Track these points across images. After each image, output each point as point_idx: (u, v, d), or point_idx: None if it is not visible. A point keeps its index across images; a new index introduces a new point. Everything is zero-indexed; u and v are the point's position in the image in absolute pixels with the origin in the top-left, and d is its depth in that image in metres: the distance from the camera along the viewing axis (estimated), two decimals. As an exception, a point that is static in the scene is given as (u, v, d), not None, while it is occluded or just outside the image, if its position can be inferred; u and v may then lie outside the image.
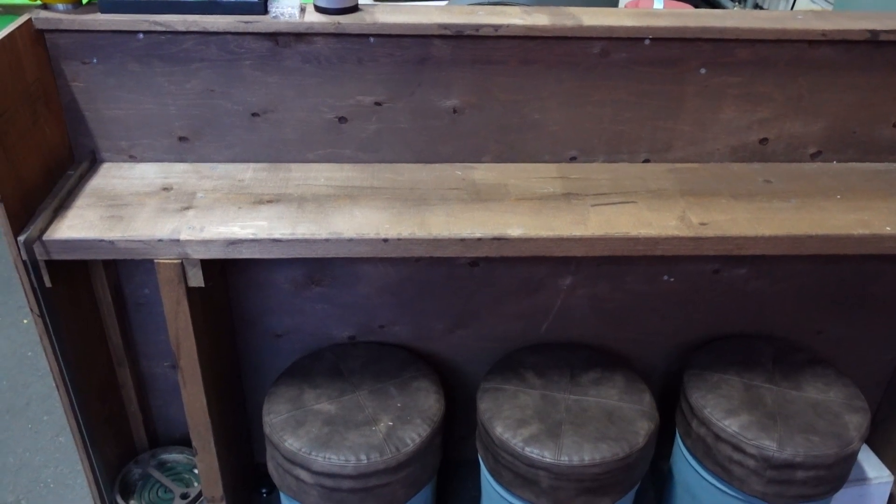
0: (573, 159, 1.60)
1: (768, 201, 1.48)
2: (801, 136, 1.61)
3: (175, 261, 1.32)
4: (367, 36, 1.44)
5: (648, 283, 1.77)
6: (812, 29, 1.47)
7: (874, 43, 1.49)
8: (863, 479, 1.90)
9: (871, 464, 1.94)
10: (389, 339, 1.82)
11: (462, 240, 1.34)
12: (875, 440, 2.03)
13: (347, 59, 1.46)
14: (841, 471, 1.59)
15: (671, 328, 1.84)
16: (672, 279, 1.77)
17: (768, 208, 1.46)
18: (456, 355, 1.85)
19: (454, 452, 1.93)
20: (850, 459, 1.58)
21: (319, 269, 1.71)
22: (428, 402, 1.61)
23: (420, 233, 1.33)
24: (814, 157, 1.63)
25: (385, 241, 1.33)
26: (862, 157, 1.63)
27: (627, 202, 1.46)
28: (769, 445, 1.53)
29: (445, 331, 1.81)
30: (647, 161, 1.61)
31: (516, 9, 1.51)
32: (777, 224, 1.41)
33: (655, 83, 1.53)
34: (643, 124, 1.57)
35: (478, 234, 1.34)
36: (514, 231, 1.35)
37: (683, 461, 1.73)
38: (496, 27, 1.43)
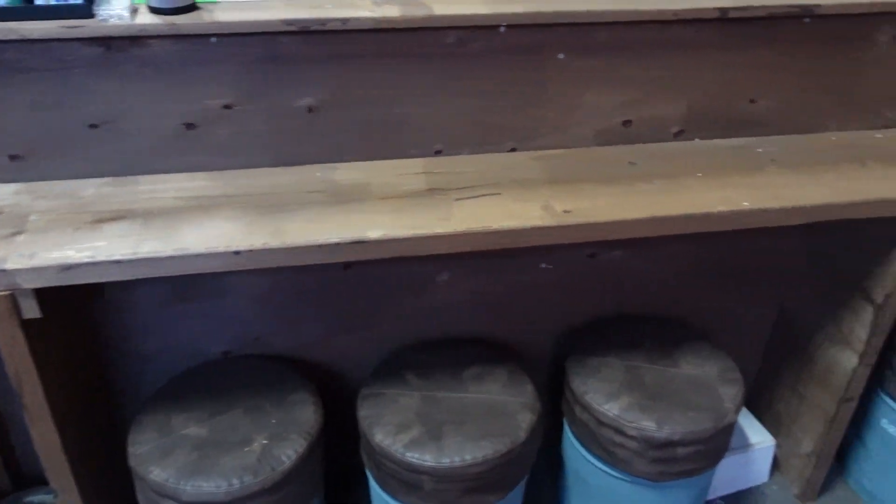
0: (438, 153, 1.55)
1: (633, 184, 1.48)
2: (663, 116, 1.61)
3: (4, 293, 1.21)
4: (207, 36, 1.35)
5: (526, 273, 1.75)
6: (664, 9, 1.46)
7: (725, 20, 1.50)
8: (746, 445, 1.96)
9: (753, 430, 2.00)
10: (266, 351, 1.74)
11: (319, 246, 1.28)
12: (757, 406, 2.10)
13: (189, 61, 1.37)
14: (720, 443, 1.62)
15: (553, 315, 1.84)
16: (549, 266, 1.76)
17: (632, 191, 1.46)
18: (338, 362, 1.79)
19: (347, 463, 1.88)
20: (727, 431, 1.61)
21: (186, 284, 1.62)
22: (305, 416, 1.54)
23: (274, 242, 1.26)
24: (677, 135, 1.64)
25: (237, 253, 1.25)
26: (723, 133, 1.66)
27: (492, 194, 1.43)
28: (649, 426, 1.54)
29: (324, 337, 1.75)
30: (513, 150, 1.58)
31: (366, 0, 1.45)
32: (641, 206, 1.40)
33: (516, 71, 1.50)
34: (507, 113, 1.54)
35: (335, 239, 1.28)
36: (375, 233, 1.30)
37: (572, 447, 1.74)
38: (344, 21, 1.36)
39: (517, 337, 1.85)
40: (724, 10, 1.48)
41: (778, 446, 2.02)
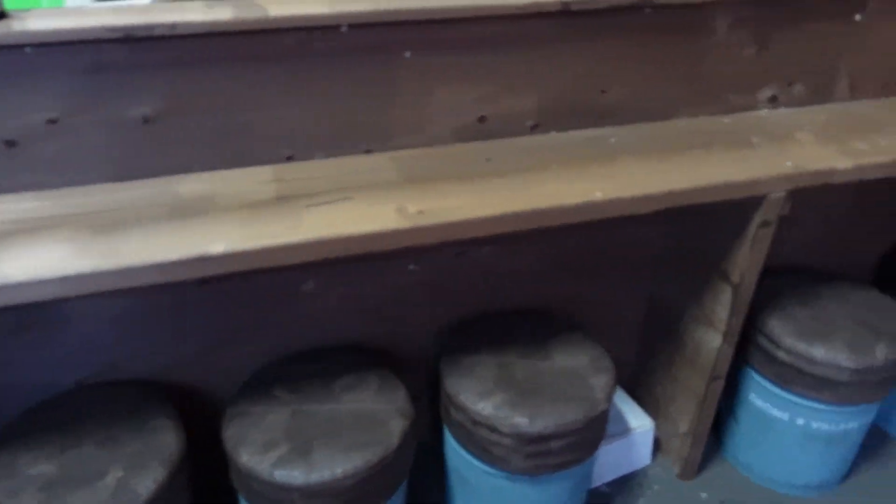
0: (290, 159, 1.50)
1: (488, 180, 1.47)
2: (517, 111, 1.61)
3: None
4: (21, 46, 1.26)
5: (395, 275, 1.72)
6: (507, 4, 1.46)
7: (568, 13, 1.51)
8: (627, 430, 1.99)
9: (634, 414, 2.04)
10: (125, 377, 1.64)
11: (157, 265, 1.21)
12: (637, 390, 2.14)
13: (2, 73, 1.27)
14: (594, 432, 1.63)
15: (425, 317, 1.81)
16: (418, 267, 1.74)
17: (487, 188, 1.44)
18: (203, 382, 1.71)
19: (219, 488, 1.80)
20: (600, 420, 1.63)
21: (29, 312, 1.51)
22: (165, 442, 1.46)
23: (106, 264, 1.18)
24: (533, 129, 1.65)
25: (64, 279, 1.17)
26: (578, 124, 1.67)
27: (345, 199, 1.39)
28: (521, 422, 1.54)
29: (187, 358, 1.66)
30: (369, 151, 1.55)
31: (199, 3, 1.38)
32: (496, 203, 1.39)
33: (363, 70, 1.46)
34: (359, 114, 1.50)
35: (175, 257, 1.21)
36: (218, 247, 1.23)
37: (451, 447, 1.72)
38: (172, 26, 1.29)
39: (391, 341, 1.82)
40: (566, 3, 1.49)
41: (658, 428, 2.07)
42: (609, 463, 1.99)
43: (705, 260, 1.77)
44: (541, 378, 1.66)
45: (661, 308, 1.99)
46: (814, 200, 1.99)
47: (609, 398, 1.64)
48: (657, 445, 2.09)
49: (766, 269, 2.05)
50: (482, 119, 1.59)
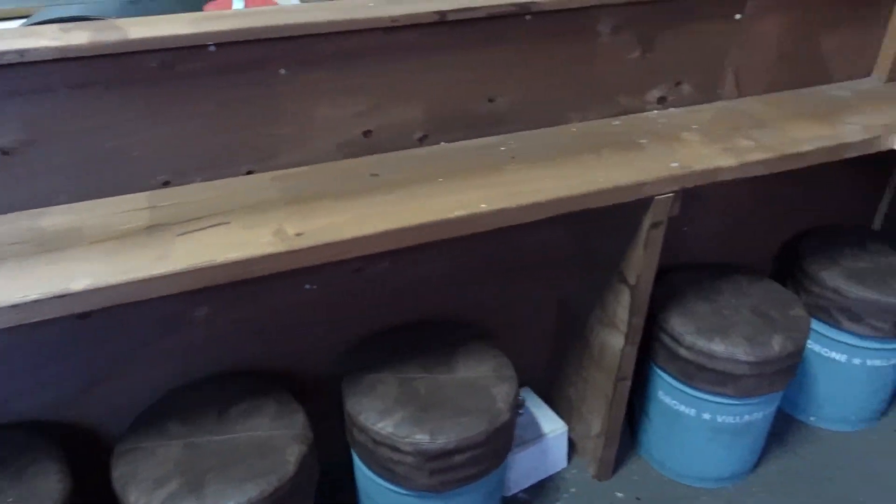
0: (166, 184, 1.45)
1: (373, 196, 1.44)
2: (404, 123, 1.59)
3: None
4: None
5: (291, 295, 1.68)
6: (381, 16, 1.43)
7: (446, 23, 1.49)
8: (540, 435, 1.99)
9: (546, 419, 2.04)
10: (9, 419, 1.56)
11: (14, 306, 1.14)
12: (551, 393, 2.14)
13: None
14: (499, 443, 1.62)
15: (326, 336, 1.77)
16: (314, 286, 1.70)
17: (371, 204, 1.41)
18: (93, 420, 1.63)
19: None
20: (504, 430, 1.62)
21: None
22: (48, 487, 1.39)
23: (-44, 309, 1.12)
24: (421, 141, 1.62)
25: None
26: (467, 134, 1.66)
27: (221, 223, 1.34)
28: (422, 439, 1.52)
29: (74, 394, 1.59)
30: (251, 172, 1.50)
31: (53, 28, 1.32)
32: (378, 220, 1.36)
33: (237, 89, 1.42)
34: (237, 134, 1.46)
35: (34, 296, 1.15)
36: (80, 283, 1.17)
37: (359, 469, 1.69)
38: (21, 52, 1.23)
39: (292, 363, 1.77)
40: (442, 14, 1.47)
41: (573, 430, 2.07)
42: (524, 469, 1.98)
43: (605, 262, 1.78)
44: (443, 391, 1.63)
45: (569, 311, 1.99)
46: (713, 196, 2.03)
47: (512, 408, 1.63)
48: (573, 447, 2.10)
49: (670, 266, 2.09)
50: (367, 133, 1.56)
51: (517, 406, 2.04)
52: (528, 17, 1.55)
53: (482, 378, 1.68)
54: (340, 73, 1.47)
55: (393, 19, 1.43)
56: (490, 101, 1.63)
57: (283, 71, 1.42)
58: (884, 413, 2.23)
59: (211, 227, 1.33)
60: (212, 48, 1.35)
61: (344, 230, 1.33)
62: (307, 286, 1.69)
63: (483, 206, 1.41)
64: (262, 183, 1.48)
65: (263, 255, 1.27)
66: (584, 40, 1.64)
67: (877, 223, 2.33)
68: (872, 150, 1.72)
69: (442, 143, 1.64)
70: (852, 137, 1.69)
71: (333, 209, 1.39)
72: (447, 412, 1.57)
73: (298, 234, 1.31)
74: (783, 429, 2.20)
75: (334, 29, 1.40)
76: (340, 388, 1.68)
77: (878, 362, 2.03)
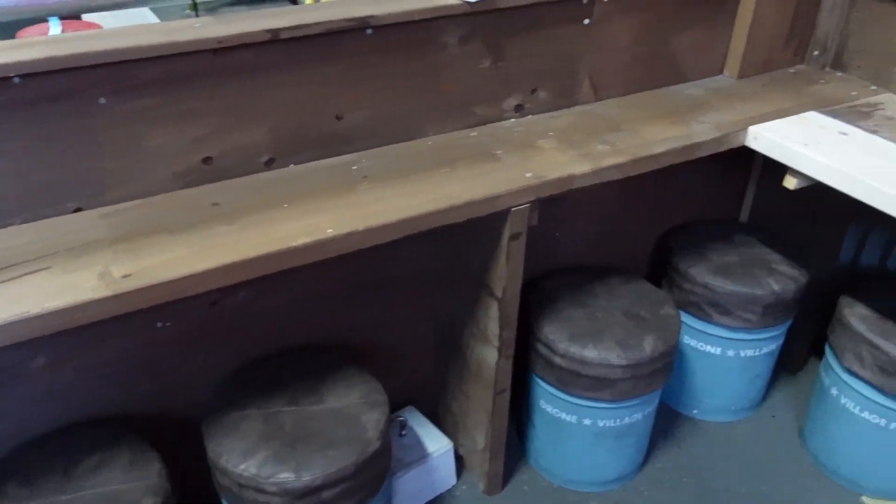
0: (-20, 228, 1.33)
1: (212, 227, 1.36)
2: (247, 147, 1.51)
3: None
4: None
5: (141, 335, 1.57)
6: (207, 38, 1.35)
7: (280, 42, 1.43)
8: (425, 455, 1.94)
9: (431, 437, 1.99)
10: None
11: None
12: (437, 410, 2.10)
13: None
14: (371, 472, 1.55)
15: (183, 377, 1.67)
16: (168, 324, 1.59)
17: (211, 236, 1.33)
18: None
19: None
20: (376, 459, 1.55)
21: None
22: None
23: None
24: (269, 164, 1.55)
25: None
26: (318, 154, 1.59)
27: (40, 269, 1.23)
28: (287, 477, 1.44)
29: None
30: (78, 210, 1.39)
31: None
32: (217, 253, 1.28)
33: (53, 123, 1.31)
34: (58, 171, 1.35)
35: None
36: None
37: (228, 513, 1.60)
38: None
39: (146, 408, 1.66)
40: (274, 32, 1.40)
41: (460, 446, 2.03)
42: (411, 492, 1.92)
43: (473, 276, 1.74)
44: (311, 424, 1.56)
45: (444, 326, 1.95)
46: (584, 200, 2.02)
47: (383, 435, 1.57)
48: (462, 463, 2.06)
49: (546, 272, 2.09)
50: (207, 160, 1.47)
51: (400, 427, 2.00)
52: (368, 31, 1.50)
53: (352, 406, 1.61)
54: (170, 98, 1.38)
55: (220, 41, 1.35)
56: (338, 118, 1.57)
57: (102, 100, 1.32)
58: (762, 400, 2.29)
59: (27, 274, 1.22)
60: (16, 80, 1.24)
61: (177, 267, 1.24)
62: (159, 324, 1.59)
63: (330, 230, 1.35)
64: (89, 221, 1.37)
65: (86, 302, 1.17)
66: (432, 52, 1.61)
67: (744, 216, 2.39)
68: (723, 149, 1.75)
69: (291, 166, 1.57)
70: (703, 136, 1.71)
71: (168, 245, 1.30)
72: (314, 446, 1.50)
73: (126, 276, 1.22)
74: (668, 424, 2.22)
75: (156, 53, 1.31)
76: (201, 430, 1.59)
77: (750, 352, 2.08)
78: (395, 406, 2.08)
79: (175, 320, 1.60)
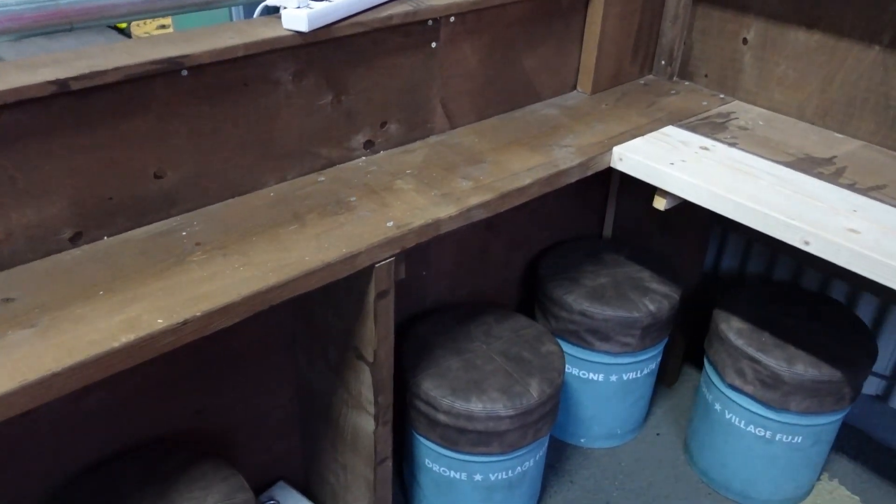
0: None
1: (2, 335, 1.07)
2: (43, 223, 1.22)
3: None
4: None
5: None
6: (-29, 99, 1.07)
7: (70, 94, 1.16)
8: (302, 540, 1.72)
9: (307, 516, 1.77)
10: None
11: None
12: (311, 480, 1.88)
13: None
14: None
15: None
16: (-37, 448, 1.28)
17: (4, 346, 1.05)
18: None
19: None
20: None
21: None
22: None
23: None
24: (75, 240, 1.27)
25: None
26: (137, 221, 1.32)
27: None
28: None
29: None
30: None
31: None
32: (7, 373, 1.00)
33: None
34: None
35: None
36: None
37: None
38: None
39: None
40: (62, 83, 1.13)
41: (341, 520, 1.83)
42: (291, 586, 1.70)
43: (338, 338, 1.54)
44: (161, 546, 1.31)
45: (311, 395, 1.73)
46: (445, 236, 1.87)
47: (251, 543, 1.34)
48: (343, 535, 1.85)
49: (416, 312, 1.92)
50: (-8, 245, 1.18)
51: (269, 515, 1.76)
52: (184, 72, 1.26)
53: (210, 511, 1.37)
54: (-71, 175, 1.09)
55: (-7, 98, 1.08)
56: (158, 177, 1.32)
57: None
58: (645, 419, 2.24)
59: None
60: None
61: (-46, 397, 0.96)
62: (-49, 451, 1.27)
63: (160, 321, 1.11)
64: None
65: None
66: (263, 92, 1.39)
67: (607, 231, 2.34)
68: (589, 173, 1.65)
69: (105, 238, 1.30)
70: (568, 163, 1.60)
71: (-57, 365, 1.01)
72: (167, 575, 1.25)
73: None
74: (557, 457, 2.12)
75: None
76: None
77: (632, 374, 2.01)
78: (263, 485, 1.84)
79: (-29, 442, 1.29)
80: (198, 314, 1.13)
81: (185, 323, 1.12)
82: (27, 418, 1.34)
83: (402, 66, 1.58)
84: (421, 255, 1.88)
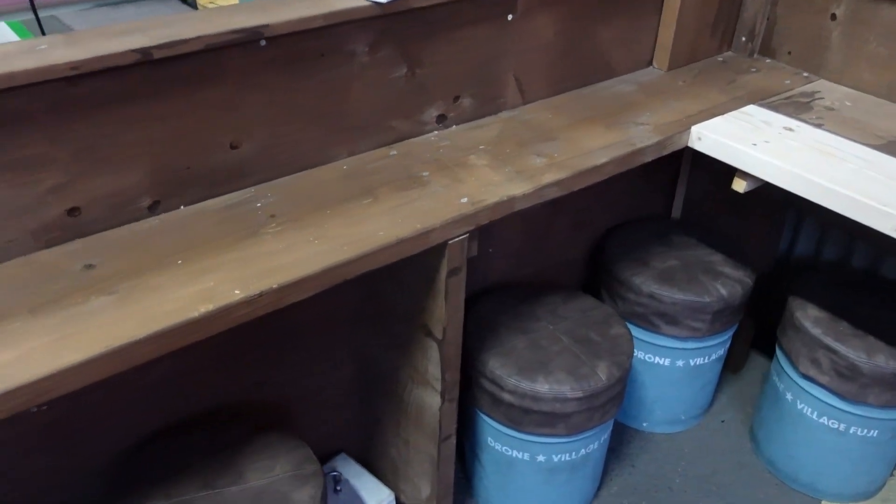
0: None
1: (85, 301, 1.08)
2: (122, 191, 1.23)
3: None
4: None
5: (13, 424, 1.28)
6: (57, 64, 1.07)
7: (153, 63, 1.16)
8: (365, 513, 1.73)
9: (369, 489, 1.77)
10: None
11: None
12: (370, 455, 1.88)
13: None
14: (308, 562, 1.34)
15: (70, 465, 1.39)
16: (44, 407, 1.31)
17: (82, 314, 1.06)
18: None
19: None
20: (312, 545, 1.34)
21: None
22: None
23: None
24: (153, 209, 1.28)
25: None
26: (212, 191, 1.33)
27: None
28: (206, 589, 1.20)
29: None
30: None
31: None
32: (91, 339, 1.01)
33: None
34: None
35: None
36: None
37: None
38: None
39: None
40: (145, 52, 1.13)
41: (402, 493, 1.83)
42: (351, 557, 1.71)
43: (405, 316, 1.53)
44: (230, 512, 1.32)
45: (373, 369, 1.73)
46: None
47: (318, 514, 1.35)
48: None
49: (478, 290, 1.90)
50: (74, 211, 1.19)
51: (335, 482, 1.77)
52: (262, 42, 1.25)
53: (279, 482, 1.37)
54: (13, 140, 1.09)
55: (73, 66, 1.08)
56: (234, 147, 1.32)
57: (-81, 151, 1.03)
58: (709, 406, 2.19)
59: None
60: None
61: (43, 362, 0.97)
62: (34, 408, 1.30)
63: (237, 292, 1.11)
64: (-78, 304, 1.08)
65: (-85, 425, 0.89)
66: (338, 63, 1.37)
67: (676, 212, 2.27)
68: (666, 152, 1.60)
69: (181, 208, 1.30)
70: (645, 141, 1.55)
71: (25, 331, 1.03)
72: (236, 542, 1.27)
73: (-28, 381, 0.94)
74: (618, 441, 2.08)
75: (-11, 88, 1.03)
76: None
77: (700, 360, 1.96)
78: (324, 457, 1.85)
79: (52, 402, 1.31)
80: (274, 286, 1.13)
81: (260, 295, 1.11)
82: (103, 384, 1.36)
83: (477, 39, 1.54)
84: (485, 232, 1.85)
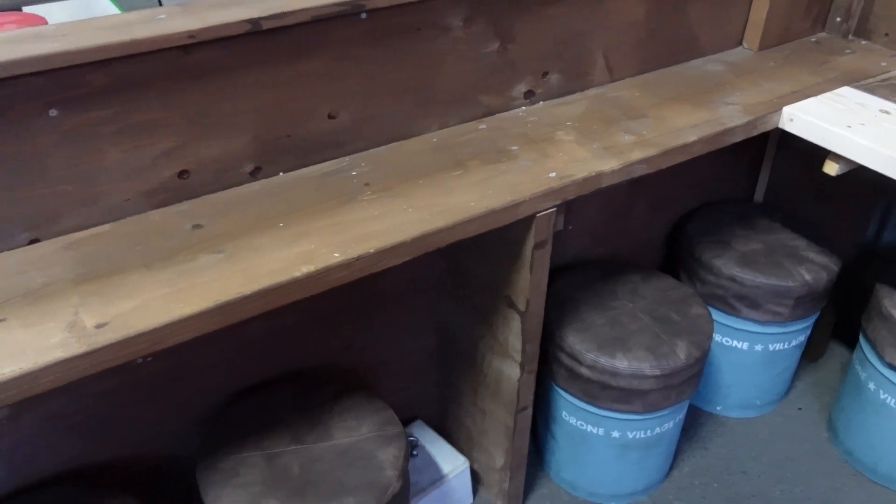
0: (-86, 274, 1.11)
1: (194, 258, 1.15)
2: (228, 156, 1.30)
3: None
4: None
5: (119, 374, 1.37)
6: (175, 32, 1.14)
7: (260, 33, 1.21)
8: (441, 477, 1.77)
9: (445, 456, 1.82)
10: None
11: None
12: (446, 423, 1.93)
13: None
14: (389, 518, 1.39)
15: (169, 417, 1.48)
16: (149, 359, 1.39)
17: (192, 270, 1.13)
18: None
19: None
20: (396, 502, 1.39)
21: None
22: None
23: None
24: (255, 174, 1.34)
25: None
26: (309, 159, 1.38)
27: (-4, 322, 1.03)
28: (298, 536, 1.27)
29: None
30: (35, 241, 1.18)
31: None
32: (202, 293, 1.08)
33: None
34: (11, 194, 1.13)
35: None
36: None
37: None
38: None
39: (129, 459, 1.46)
40: (255, 22, 1.18)
41: (475, 461, 1.87)
42: (427, 518, 1.77)
43: (488, 286, 1.56)
44: (320, 466, 1.38)
45: (453, 338, 1.77)
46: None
47: (402, 474, 1.39)
48: (477, 479, 1.90)
49: (554, 267, 1.91)
50: (183, 174, 1.26)
51: (411, 447, 1.82)
52: (362, 15, 1.30)
53: (364, 441, 1.43)
54: (127, 107, 1.16)
55: (191, 34, 1.14)
56: (331, 117, 1.37)
57: (53, 112, 1.10)
58: (786, 393, 2.16)
59: (-24, 330, 1.01)
60: (-55, 94, 1.02)
61: (159, 312, 1.05)
62: (139, 360, 1.39)
63: (336, 255, 1.16)
64: (51, 255, 1.16)
65: (55, 364, 0.97)
66: (433, 37, 1.40)
67: (758, 195, 2.24)
68: (756, 132, 1.58)
69: (280, 174, 1.36)
70: (735, 121, 1.54)
71: (142, 283, 1.10)
72: (327, 492, 1.32)
73: (100, 325, 1.02)
74: (692, 423, 2.08)
75: (113, 54, 1.09)
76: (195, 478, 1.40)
77: (779, 346, 1.94)
78: (402, 423, 1.91)
79: (156, 354, 1.40)
80: (370, 251, 1.17)
81: (358, 259, 1.16)
82: (201, 339, 1.44)
83: (569, 15, 1.55)
84: (565, 208, 1.86)
